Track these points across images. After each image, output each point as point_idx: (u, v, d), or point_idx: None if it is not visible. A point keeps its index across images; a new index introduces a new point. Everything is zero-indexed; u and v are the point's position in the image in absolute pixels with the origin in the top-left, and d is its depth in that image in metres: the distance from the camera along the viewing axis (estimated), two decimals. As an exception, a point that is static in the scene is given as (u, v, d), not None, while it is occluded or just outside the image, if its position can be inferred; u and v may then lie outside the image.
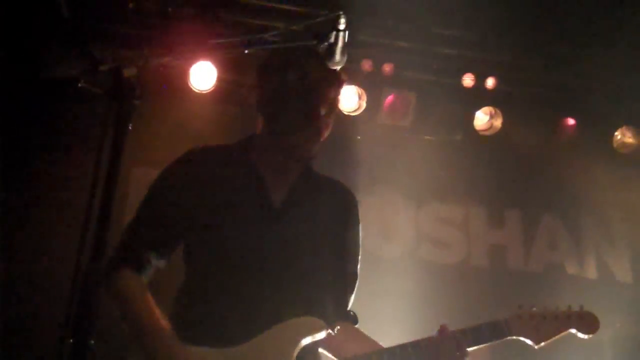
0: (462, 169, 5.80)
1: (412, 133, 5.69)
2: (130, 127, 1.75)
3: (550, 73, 5.66)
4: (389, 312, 4.79)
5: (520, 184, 5.93)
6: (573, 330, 2.39)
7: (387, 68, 5.38)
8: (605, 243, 6.06)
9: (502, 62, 5.57)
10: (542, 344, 2.35)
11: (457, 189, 5.88)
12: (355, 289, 2.44)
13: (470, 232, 5.91)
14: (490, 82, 5.56)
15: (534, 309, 2.39)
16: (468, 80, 5.53)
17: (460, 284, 5.62)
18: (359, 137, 5.54)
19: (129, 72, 1.78)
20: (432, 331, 2.33)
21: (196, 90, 4.99)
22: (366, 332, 2.47)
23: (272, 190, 2.30)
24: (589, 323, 2.39)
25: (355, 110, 5.43)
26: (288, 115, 2.22)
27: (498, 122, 5.71)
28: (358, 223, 2.47)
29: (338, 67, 2.12)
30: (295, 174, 2.36)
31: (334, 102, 2.30)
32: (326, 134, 2.30)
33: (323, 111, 2.23)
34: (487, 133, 5.78)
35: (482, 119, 5.73)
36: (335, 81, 2.26)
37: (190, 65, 4.81)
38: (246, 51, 2.12)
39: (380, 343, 2.38)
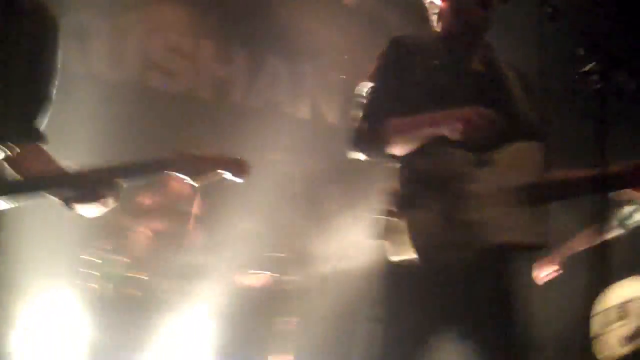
0: (197, 2, 5.91)
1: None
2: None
3: None
4: (105, 138, 4.90)
5: (250, 25, 6.18)
6: (224, 173, 2.46)
7: None
8: (320, 88, 6.68)
9: None
10: (199, 182, 2.43)
11: (189, 21, 6.00)
12: (48, 110, 2.49)
13: (198, 64, 6.14)
14: None
15: (196, 150, 2.47)
16: None
17: (184, 114, 5.89)
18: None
19: None
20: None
21: None
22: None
23: None
24: (240, 168, 2.47)
25: None
26: None
27: (236, -40, 5.84)
28: (56, 47, 2.49)
29: None
30: None
31: None
32: None
33: None
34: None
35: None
36: None
37: None
38: None
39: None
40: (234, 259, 4.96)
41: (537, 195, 2.41)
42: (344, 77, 5.63)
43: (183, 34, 6.04)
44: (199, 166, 2.44)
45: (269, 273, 5.05)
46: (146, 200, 5.18)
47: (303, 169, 5.41)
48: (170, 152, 2.44)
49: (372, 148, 2.54)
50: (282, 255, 5.16)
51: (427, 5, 2.78)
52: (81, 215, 2.41)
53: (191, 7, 5.90)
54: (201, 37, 6.11)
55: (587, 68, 2.05)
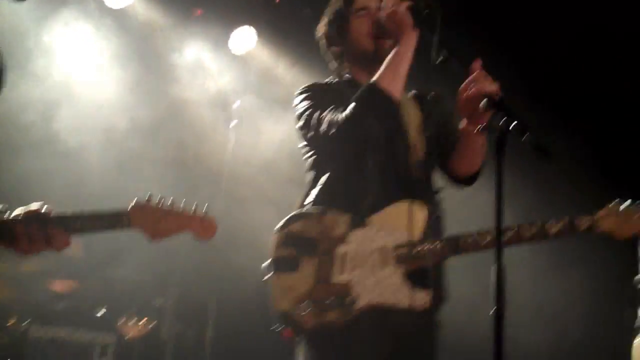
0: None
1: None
2: None
3: None
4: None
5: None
6: (190, 231, 2.28)
7: None
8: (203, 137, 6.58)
9: None
10: (158, 241, 2.24)
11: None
12: None
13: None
14: None
15: (163, 202, 2.25)
16: None
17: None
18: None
19: None
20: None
21: None
22: None
23: None
24: (206, 228, 2.30)
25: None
26: None
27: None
28: None
29: None
30: None
31: None
32: None
33: None
34: None
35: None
36: None
37: None
38: None
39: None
40: (114, 306, 4.73)
41: (415, 256, 2.39)
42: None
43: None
44: (161, 224, 2.20)
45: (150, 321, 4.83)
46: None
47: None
48: (131, 206, 2.19)
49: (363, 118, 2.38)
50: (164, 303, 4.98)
51: (329, 52, 2.84)
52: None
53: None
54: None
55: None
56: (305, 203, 2.57)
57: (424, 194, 2.55)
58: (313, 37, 2.90)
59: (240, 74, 6.17)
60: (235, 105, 5.39)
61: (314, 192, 2.55)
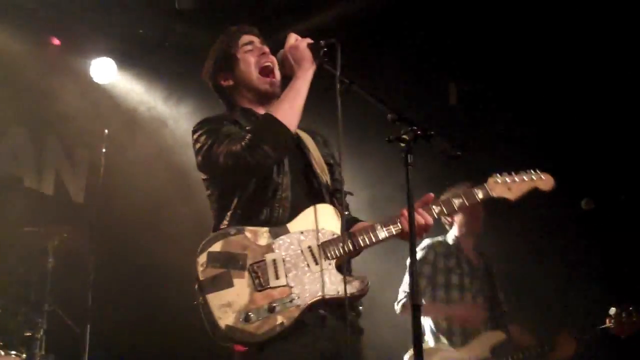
0: None
1: None
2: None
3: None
4: None
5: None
6: None
7: None
8: (66, 163, 6.50)
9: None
10: None
11: None
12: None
13: None
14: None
15: None
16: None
17: None
18: None
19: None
20: None
21: None
22: None
23: None
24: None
25: None
26: None
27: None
28: None
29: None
30: None
31: None
32: None
33: None
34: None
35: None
36: None
37: None
38: None
39: None
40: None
41: (342, 250, 2.56)
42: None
43: None
44: None
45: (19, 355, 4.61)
46: None
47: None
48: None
49: (266, 151, 2.50)
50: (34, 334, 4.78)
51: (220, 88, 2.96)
52: None
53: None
54: None
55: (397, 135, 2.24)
56: (220, 228, 2.63)
57: (331, 197, 2.76)
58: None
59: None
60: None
61: (227, 216, 2.64)
